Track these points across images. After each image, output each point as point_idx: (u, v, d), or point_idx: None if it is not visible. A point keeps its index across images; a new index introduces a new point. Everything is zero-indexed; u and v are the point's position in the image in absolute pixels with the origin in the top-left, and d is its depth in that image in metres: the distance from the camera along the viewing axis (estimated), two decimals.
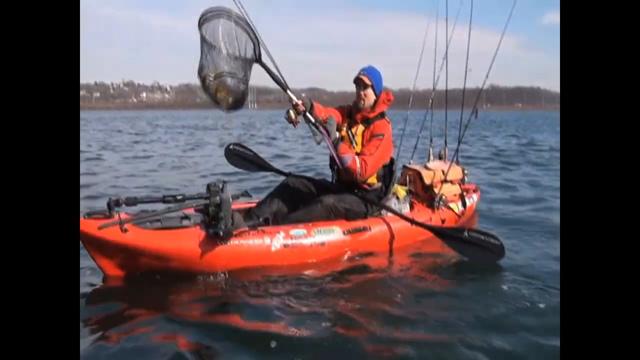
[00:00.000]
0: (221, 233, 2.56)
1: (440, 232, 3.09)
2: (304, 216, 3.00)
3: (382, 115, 3.27)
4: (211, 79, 2.70)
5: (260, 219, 2.79)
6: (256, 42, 2.79)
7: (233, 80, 2.73)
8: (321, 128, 2.92)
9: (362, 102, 3.23)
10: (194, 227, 2.72)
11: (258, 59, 2.82)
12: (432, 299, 2.52)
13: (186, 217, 2.85)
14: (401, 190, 3.64)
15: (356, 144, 3.21)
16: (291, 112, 2.94)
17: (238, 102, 2.80)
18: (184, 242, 2.62)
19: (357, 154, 3.14)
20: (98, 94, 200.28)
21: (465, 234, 2.95)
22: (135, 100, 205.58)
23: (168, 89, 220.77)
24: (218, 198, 2.69)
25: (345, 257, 3.02)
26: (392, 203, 3.46)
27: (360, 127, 3.25)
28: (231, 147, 3.78)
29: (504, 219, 4.29)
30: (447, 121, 4.24)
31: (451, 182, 3.85)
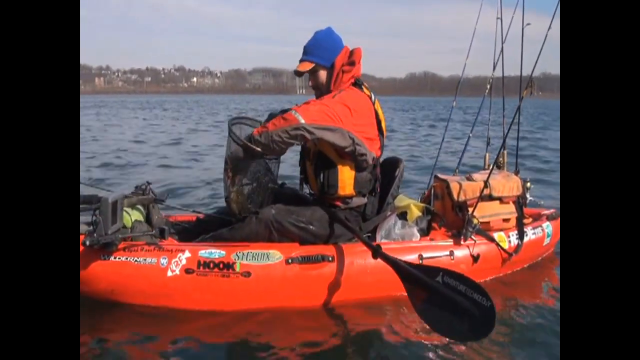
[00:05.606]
0: (87, 242, 1.95)
1: (401, 270, 1.90)
2: (229, 234, 2.18)
3: (355, 84, 2.23)
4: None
5: (154, 230, 2.08)
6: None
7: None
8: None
9: (319, 91, 2.25)
10: (82, 235, 2.17)
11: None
12: None
13: (94, 222, 2.34)
14: (415, 210, 2.51)
15: None
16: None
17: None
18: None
19: None
20: (149, 79, 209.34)
21: (439, 279, 1.75)
22: (186, 85, 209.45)
23: (218, 74, 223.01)
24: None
25: (284, 297, 2.10)
26: (392, 226, 2.39)
27: None
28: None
29: None
30: (494, 111, 2.86)
31: (500, 199, 2.54)
